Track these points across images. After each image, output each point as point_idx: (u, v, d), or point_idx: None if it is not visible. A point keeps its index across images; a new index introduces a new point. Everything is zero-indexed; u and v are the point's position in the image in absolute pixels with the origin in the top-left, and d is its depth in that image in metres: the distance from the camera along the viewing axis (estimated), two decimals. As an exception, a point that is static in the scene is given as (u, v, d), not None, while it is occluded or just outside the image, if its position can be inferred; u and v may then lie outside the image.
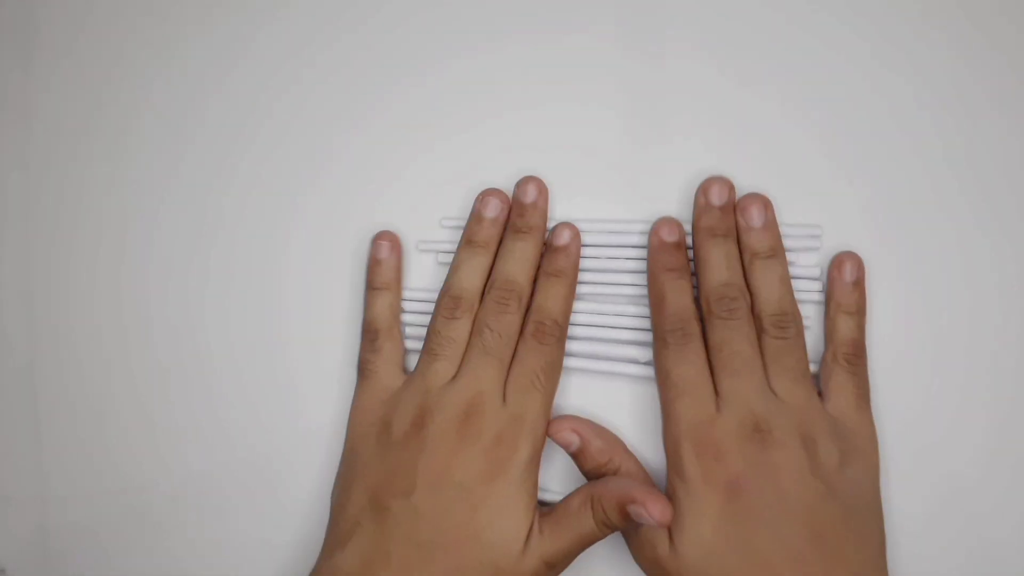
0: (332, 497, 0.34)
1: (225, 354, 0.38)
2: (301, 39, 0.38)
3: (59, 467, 0.38)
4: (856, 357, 0.33)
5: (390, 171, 0.37)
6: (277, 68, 0.38)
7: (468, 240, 0.35)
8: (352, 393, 0.36)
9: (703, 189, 0.34)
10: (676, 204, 0.35)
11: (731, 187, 0.34)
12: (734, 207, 0.34)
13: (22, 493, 0.38)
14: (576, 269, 0.35)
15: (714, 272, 0.33)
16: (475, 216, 0.36)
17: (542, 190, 0.35)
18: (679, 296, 0.33)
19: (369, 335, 0.36)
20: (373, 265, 0.36)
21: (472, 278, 0.35)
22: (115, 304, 0.38)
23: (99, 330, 0.38)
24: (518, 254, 0.34)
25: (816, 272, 0.34)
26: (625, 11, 0.36)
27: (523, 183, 0.35)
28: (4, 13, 0.40)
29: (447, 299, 0.34)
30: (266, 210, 0.38)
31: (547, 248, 0.35)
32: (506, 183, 0.36)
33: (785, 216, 0.34)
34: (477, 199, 0.36)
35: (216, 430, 0.37)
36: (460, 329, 0.34)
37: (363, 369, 0.35)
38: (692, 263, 0.34)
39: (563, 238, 0.35)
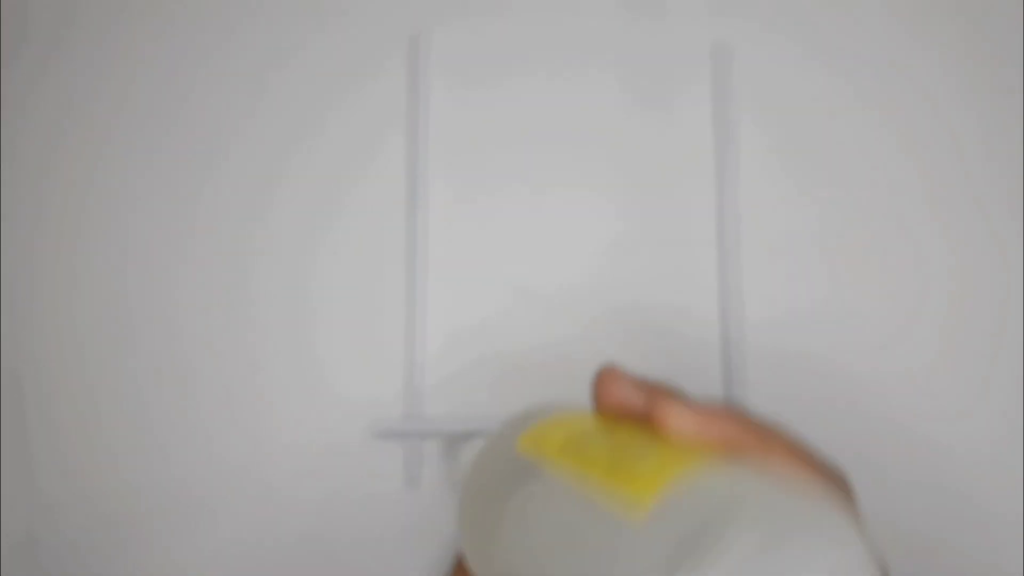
0: None
1: (211, 361, 0.38)
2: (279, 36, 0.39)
3: (47, 474, 0.38)
4: None
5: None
6: (259, 64, 0.39)
7: None
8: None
9: None
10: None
11: None
12: None
13: (10, 501, 0.38)
14: None
15: None
16: None
17: None
18: None
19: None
20: None
21: None
22: (100, 310, 0.38)
23: (85, 336, 0.38)
24: None
25: None
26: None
27: None
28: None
29: None
30: (251, 211, 0.38)
31: None
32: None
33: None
34: None
35: (203, 437, 0.37)
36: None
37: None
38: None
39: None
